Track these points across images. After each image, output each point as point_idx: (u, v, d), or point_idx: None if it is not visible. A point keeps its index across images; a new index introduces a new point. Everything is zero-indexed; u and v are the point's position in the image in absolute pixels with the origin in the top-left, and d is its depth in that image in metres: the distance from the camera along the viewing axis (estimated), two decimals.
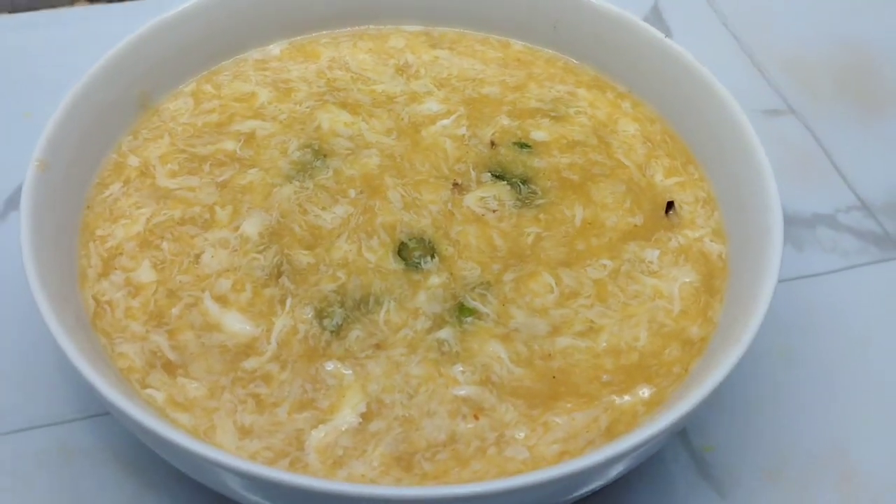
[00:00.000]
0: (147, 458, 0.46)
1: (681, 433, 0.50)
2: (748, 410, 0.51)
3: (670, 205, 0.50)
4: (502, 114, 0.53)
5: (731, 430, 0.50)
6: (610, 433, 0.40)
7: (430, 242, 0.47)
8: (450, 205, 0.49)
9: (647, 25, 0.54)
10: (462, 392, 0.41)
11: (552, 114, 0.54)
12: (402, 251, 0.46)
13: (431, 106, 0.54)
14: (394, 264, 0.46)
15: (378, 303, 0.44)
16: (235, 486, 0.37)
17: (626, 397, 0.42)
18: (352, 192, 0.49)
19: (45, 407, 0.49)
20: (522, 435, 0.40)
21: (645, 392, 0.42)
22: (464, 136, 0.52)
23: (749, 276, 0.44)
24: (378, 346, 0.43)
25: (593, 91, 0.56)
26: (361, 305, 0.44)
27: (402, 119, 0.53)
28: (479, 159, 0.51)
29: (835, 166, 0.63)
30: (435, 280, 0.45)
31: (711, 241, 0.48)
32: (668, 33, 0.70)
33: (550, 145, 0.52)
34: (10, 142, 0.54)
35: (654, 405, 0.42)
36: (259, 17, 0.55)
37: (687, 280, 0.47)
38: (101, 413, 0.48)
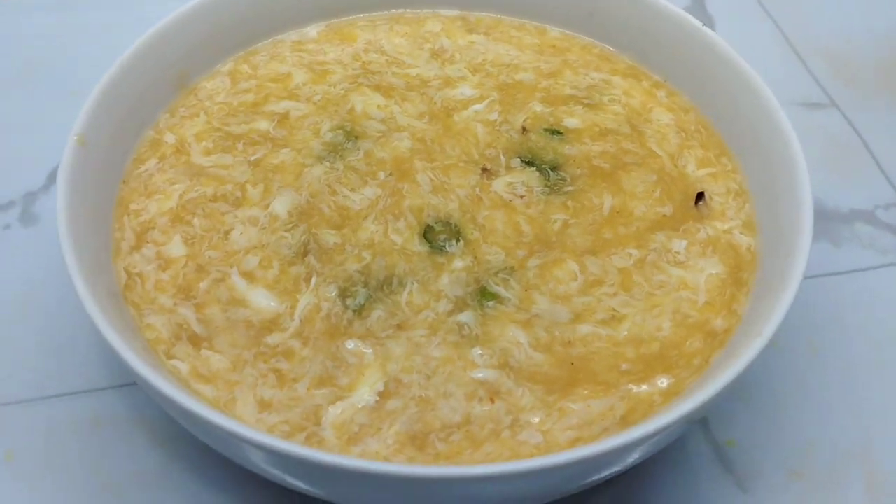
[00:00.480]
0: (174, 428, 0.47)
1: (704, 426, 0.49)
2: (774, 406, 0.51)
3: (700, 195, 0.49)
4: (535, 100, 0.53)
5: (755, 425, 0.50)
6: (625, 422, 0.40)
7: (455, 226, 0.47)
8: (478, 189, 0.49)
9: (685, 14, 0.53)
10: (480, 375, 0.42)
11: (586, 101, 0.54)
12: (427, 234, 0.47)
13: (464, 91, 0.54)
14: (419, 247, 0.46)
15: (401, 284, 0.44)
16: (254, 458, 0.38)
17: (644, 387, 0.42)
18: (381, 175, 0.49)
19: (80, 375, 0.50)
20: (537, 420, 0.40)
21: (663, 382, 0.42)
22: (495, 121, 0.52)
23: (777, 269, 0.44)
24: (399, 327, 0.43)
25: (629, 79, 0.55)
26: (385, 286, 0.44)
27: (435, 103, 0.53)
28: (509, 145, 0.51)
29: (876, 161, 0.62)
30: (458, 263, 0.45)
31: (741, 233, 0.48)
32: (710, 23, 0.69)
33: (582, 133, 0.52)
34: (56, 118, 0.55)
35: (671, 395, 0.41)
36: None
37: (714, 272, 0.46)
38: (131, 383, 0.49)
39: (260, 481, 0.43)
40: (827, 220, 0.58)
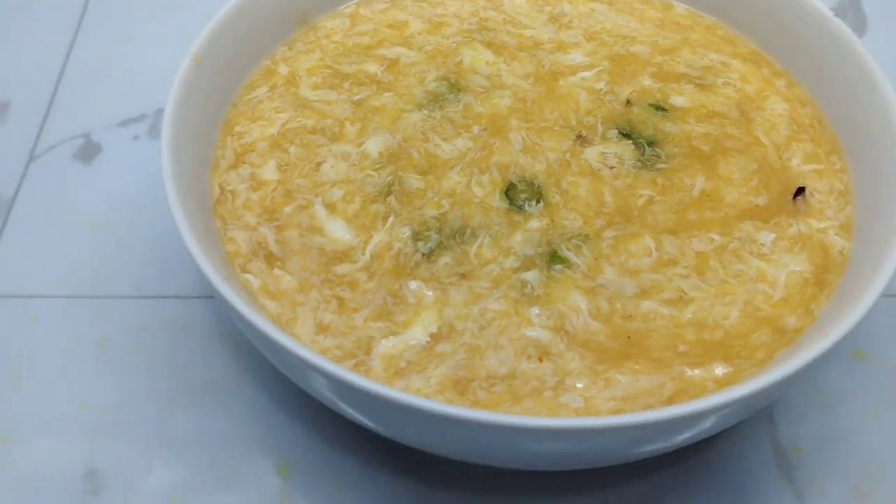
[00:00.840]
0: (248, 344, 0.50)
1: (771, 430, 0.48)
2: (850, 420, 0.48)
3: (800, 190, 0.47)
4: (646, 74, 0.52)
5: (827, 436, 0.48)
6: (671, 402, 0.40)
7: (538, 187, 0.47)
8: (568, 155, 0.49)
9: (817, 3, 0.51)
10: (533, 333, 0.42)
11: (698, 81, 0.52)
12: (509, 191, 0.47)
13: (575, 57, 0.54)
14: (498, 202, 0.47)
15: (474, 235, 0.45)
16: (301, 375, 0.40)
17: (698, 371, 0.41)
18: (475, 129, 0.50)
19: (174, 282, 0.54)
20: (581, 385, 0.40)
21: (720, 370, 0.41)
22: (600, 90, 0.52)
23: (864, 276, 0.42)
24: (463, 276, 0.44)
25: (748, 64, 0.53)
26: (457, 235, 0.45)
27: (543, 66, 0.53)
28: (609, 115, 0.51)
29: None
30: (534, 224, 0.46)
31: (836, 234, 0.46)
32: (862, 21, 0.66)
33: (688, 112, 0.51)
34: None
35: (725, 384, 0.40)
36: None
37: (797, 269, 0.44)
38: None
39: (316, 404, 0.45)
40: None
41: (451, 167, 0.48)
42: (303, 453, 0.47)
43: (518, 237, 0.45)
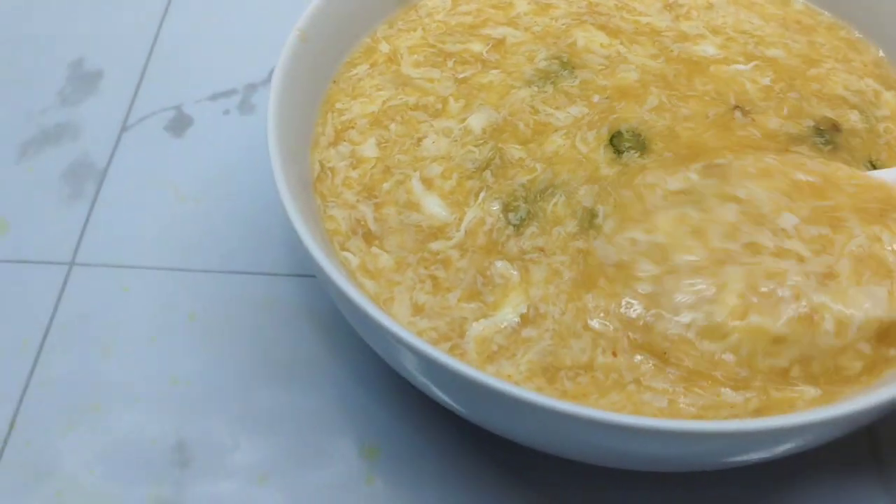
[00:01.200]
0: (337, 323, 0.49)
1: (880, 470, 0.45)
2: None
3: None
4: (811, 92, 0.49)
5: None
6: (758, 415, 0.38)
7: (644, 138, 0.46)
8: (711, 113, 0.47)
9: None
10: (595, 324, 0.40)
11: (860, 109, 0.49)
12: (614, 139, 0.46)
13: (707, 49, 0.51)
14: (603, 154, 0.45)
15: (552, 194, 0.44)
16: (401, 359, 0.39)
17: (784, 392, 0.39)
18: (595, 98, 0.48)
19: (264, 257, 0.53)
20: (660, 386, 0.38)
21: (811, 392, 0.39)
22: (770, 87, 0.49)
23: None
24: (541, 250, 0.42)
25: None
26: (539, 195, 0.44)
27: (671, 51, 0.51)
28: (794, 109, 0.48)
29: None
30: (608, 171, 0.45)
31: None
32: None
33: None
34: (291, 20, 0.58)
35: (817, 403, 0.38)
36: None
37: None
38: (308, 275, 0.52)
39: (403, 387, 0.44)
40: None
41: (556, 131, 0.46)
42: (388, 436, 0.46)
43: (583, 189, 0.44)
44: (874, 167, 0.46)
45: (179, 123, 0.60)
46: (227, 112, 0.61)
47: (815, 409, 0.34)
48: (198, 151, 0.59)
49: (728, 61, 0.50)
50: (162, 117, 0.61)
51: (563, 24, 0.52)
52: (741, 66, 0.50)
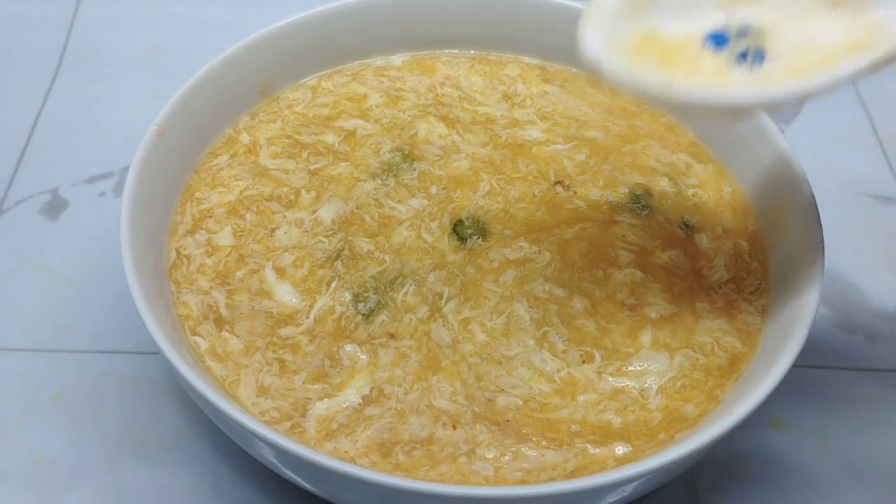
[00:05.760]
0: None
1: (691, 497, 0.50)
2: (768, 488, 0.51)
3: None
4: (625, 164, 0.55)
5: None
6: (573, 476, 0.42)
7: (483, 223, 0.51)
8: (537, 191, 0.52)
9: None
10: (440, 404, 0.44)
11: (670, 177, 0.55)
12: (457, 227, 0.50)
13: (532, 133, 0.57)
14: (447, 243, 0.50)
15: (402, 284, 0.48)
16: (242, 438, 0.42)
17: (599, 450, 0.43)
18: (433, 189, 0.53)
19: (129, 338, 0.55)
20: (491, 455, 0.42)
21: (620, 449, 0.43)
22: (585, 163, 0.55)
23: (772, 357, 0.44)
24: (392, 336, 0.46)
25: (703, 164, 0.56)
26: (389, 286, 0.48)
27: (500, 137, 0.56)
28: (609, 179, 0.53)
29: None
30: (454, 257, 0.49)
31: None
32: (799, 102, 0.69)
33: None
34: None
35: (625, 462, 0.42)
36: (388, 29, 0.60)
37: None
38: None
39: (261, 462, 0.47)
40: (868, 315, 0.58)
41: (401, 223, 0.51)
42: None
43: (432, 277, 0.48)
44: (688, 226, 0.52)
45: (55, 207, 0.63)
46: (102, 194, 0.64)
47: (608, 472, 0.38)
48: (72, 234, 0.61)
49: (549, 143, 0.56)
50: (38, 200, 0.63)
51: (409, 116, 0.57)
52: (560, 146, 0.55)
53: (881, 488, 0.50)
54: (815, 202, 0.48)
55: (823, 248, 0.46)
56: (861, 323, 0.57)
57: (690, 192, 0.54)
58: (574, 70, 0.61)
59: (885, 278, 0.59)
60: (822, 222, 0.47)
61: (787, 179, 0.50)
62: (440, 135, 0.56)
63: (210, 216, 0.51)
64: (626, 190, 0.53)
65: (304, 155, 0.55)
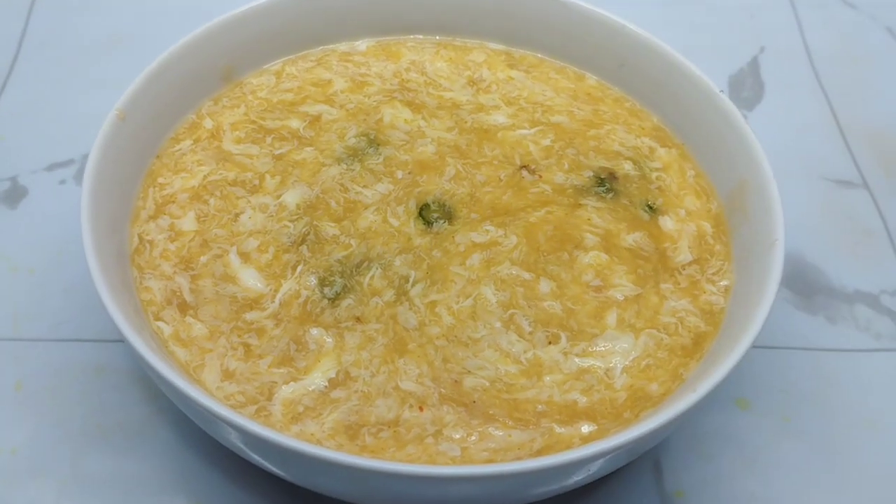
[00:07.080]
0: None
1: (657, 474, 0.50)
2: (732, 465, 0.51)
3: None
4: (590, 148, 0.55)
5: (707, 479, 0.51)
6: (540, 455, 0.42)
7: (449, 207, 0.50)
8: (502, 175, 0.52)
9: (702, 75, 0.54)
10: (406, 386, 0.44)
11: (634, 160, 0.55)
12: (423, 211, 0.50)
13: (498, 118, 0.57)
14: (413, 227, 0.50)
15: (368, 267, 0.48)
16: (206, 422, 0.42)
17: (565, 429, 0.43)
18: (399, 174, 0.52)
19: (92, 326, 0.55)
20: (458, 436, 0.42)
21: (586, 428, 0.44)
22: (551, 147, 0.55)
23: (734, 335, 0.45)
24: (358, 319, 0.46)
25: (666, 149, 0.56)
26: (355, 270, 0.48)
27: (466, 122, 0.56)
28: (574, 163, 0.54)
29: (894, 249, 0.61)
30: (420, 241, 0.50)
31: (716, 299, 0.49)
32: (760, 88, 0.70)
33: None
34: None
35: (591, 440, 0.43)
36: (352, 14, 0.60)
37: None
38: None
39: (227, 447, 0.47)
40: (829, 297, 0.58)
41: (367, 208, 0.50)
42: (214, 496, 0.49)
43: (398, 260, 0.48)
44: (652, 209, 0.52)
45: (14, 195, 0.62)
46: (63, 182, 0.63)
47: (573, 450, 0.39)
48: (32, 222, 0.60)
49: (514, 127, 0.56)
50: None
51: (374, 101, 0.57)
52: (525, 131, 0.56)
53: (843, 466, 0.51)
54: (776, 186, 0.48)
55: (784, 230, 0.47)
56: (821, 304, 0.58)
57: (654, 175, 0.54)
58: (539, 55, 0.61)
59: (845, 260, 0.60)
60: (784, 205, 0.48)
61: (748, 163, 0.50)
62: (406, 120, 0.56)
63: (173, 201, 0.51)
64: (591, 174, 0.54)
65: (269, 140, 0.54)
